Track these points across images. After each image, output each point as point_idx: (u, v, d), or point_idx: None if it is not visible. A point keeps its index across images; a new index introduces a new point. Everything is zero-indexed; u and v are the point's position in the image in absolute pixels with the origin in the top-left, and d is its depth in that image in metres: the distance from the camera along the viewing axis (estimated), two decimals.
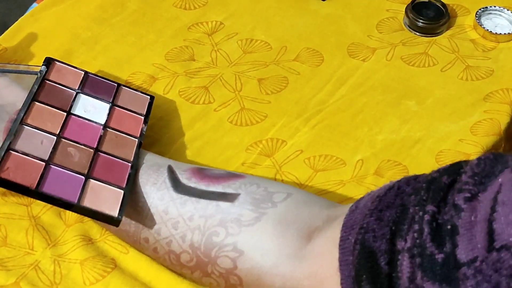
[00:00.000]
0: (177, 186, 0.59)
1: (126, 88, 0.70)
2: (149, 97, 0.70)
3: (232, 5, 0.89)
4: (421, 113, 0.77)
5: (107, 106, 0.66)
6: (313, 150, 0.73)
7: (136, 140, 0.64)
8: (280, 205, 0.56)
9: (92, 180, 0.59)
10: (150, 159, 0.63)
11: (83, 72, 0.68)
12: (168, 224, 0.58)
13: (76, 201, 0.56)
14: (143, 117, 0.67)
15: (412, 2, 0.87)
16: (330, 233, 0.51)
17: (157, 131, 0.74)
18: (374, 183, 0.70)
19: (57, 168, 0.58)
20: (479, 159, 0.45)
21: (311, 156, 0.73)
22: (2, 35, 0.83)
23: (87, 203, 0.57)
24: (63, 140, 0.61)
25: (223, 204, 0.56)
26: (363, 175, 0.71)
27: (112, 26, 0.85)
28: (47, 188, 0.56)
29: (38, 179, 0.56)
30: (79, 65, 0.70)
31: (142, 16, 0.87)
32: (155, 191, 0.59)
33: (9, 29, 0.84)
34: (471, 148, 0.73)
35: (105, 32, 0.84)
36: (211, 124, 0.75)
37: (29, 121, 0.61)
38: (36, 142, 0.59)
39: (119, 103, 0.67)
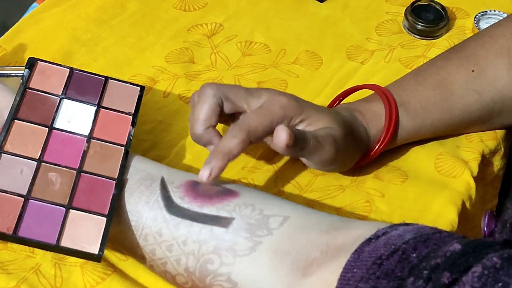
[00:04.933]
0: (170, 206, 0.58)
1: (114, 81, 0.68)
2: (139, 88, 0.69)
3: (231, 6, 0.89)
4: None
5: (92, 110, 0.65)
6: None
7: (123, 149, 0.63)
8: (276, 232, 0.54)
9: (72, 211, 0.58)
10: (142, 168, 0.61)
11: (68, 70, 0.67)
12: (162, 246, 0.57)
13: (54, 242, 0.56)
14: (131, 117, 0.66)
15: (411, 5, 0.87)
16: (327, 275, 0.50)
17: (157, 134, 0.74)
18: (373, 187, 0.70)
19: (36, 202, 0.58)
20: (484, 267, 0.43)
21: None
22: (2, 36, 0.83)
23: (66, 240, 0.56)
24: (44, 164, 0.60)
25: (217, 230, 0.56)
26: (362, 180, 0.71)
27: (112, 27, 0.85)
28: (24, 231, 0.55)
29: (16, 220, 0.56)
30: (79, 67, 0.69)
31: (141, 17, 0.87)
32: (148, 210, 0.58)
33: (9, 30, 0.83)
34: (468, 154, 0.74)
35: (105, 33, 0.84)
36: None
37: (8, 146, 0.60)
38: (15, 173, 0.58)
39: (106, 102, 0.66)
